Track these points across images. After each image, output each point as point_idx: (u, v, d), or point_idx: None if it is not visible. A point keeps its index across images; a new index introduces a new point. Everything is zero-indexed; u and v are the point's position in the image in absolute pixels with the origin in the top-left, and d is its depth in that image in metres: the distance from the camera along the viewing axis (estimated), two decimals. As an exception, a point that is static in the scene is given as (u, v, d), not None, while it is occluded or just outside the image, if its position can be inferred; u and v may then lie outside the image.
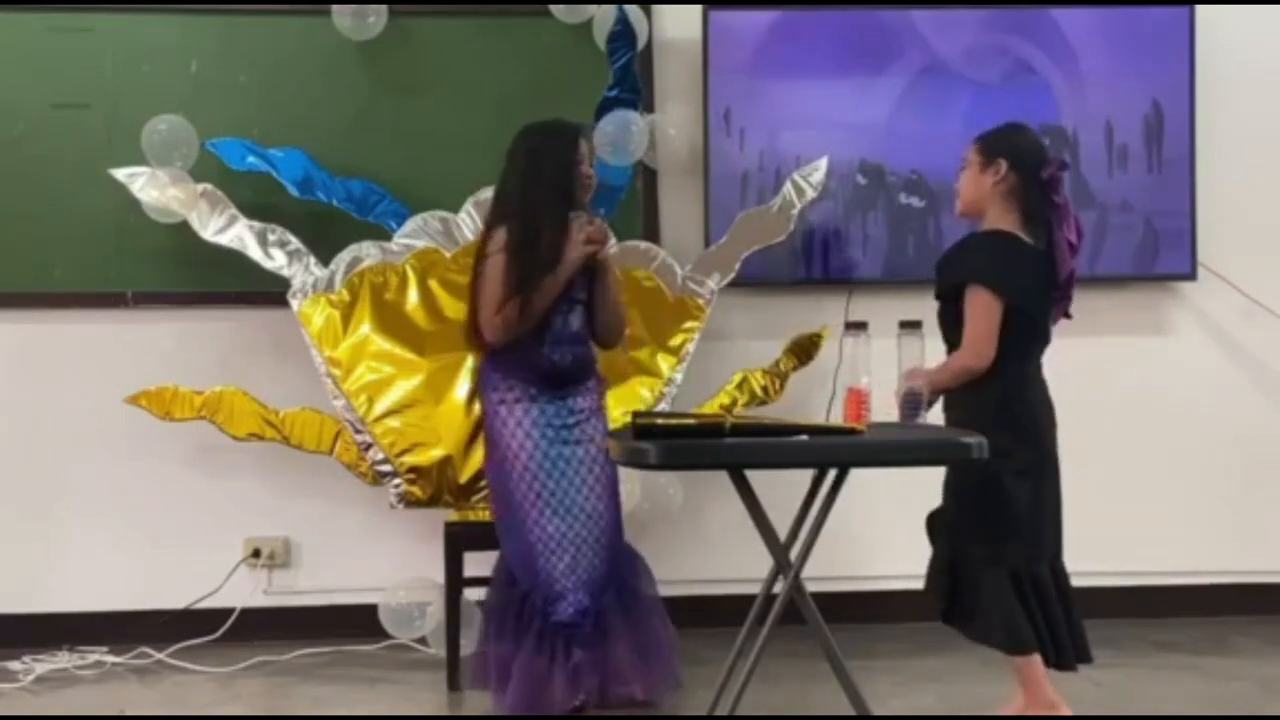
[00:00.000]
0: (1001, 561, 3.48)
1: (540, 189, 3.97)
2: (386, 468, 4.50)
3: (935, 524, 3.64)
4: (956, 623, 3.58)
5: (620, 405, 4.53)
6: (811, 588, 3.32)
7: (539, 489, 3.96)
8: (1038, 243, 3.56)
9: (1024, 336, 3.55)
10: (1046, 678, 3.50)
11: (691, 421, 3.30)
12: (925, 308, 3.64)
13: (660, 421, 3.20)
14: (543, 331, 3.98)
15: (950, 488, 3.58)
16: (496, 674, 3.96)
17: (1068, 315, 3.68)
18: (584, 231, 3.97)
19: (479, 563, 4.45)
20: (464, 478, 4.49)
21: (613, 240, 4.59)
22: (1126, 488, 5.06)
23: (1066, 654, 3.54)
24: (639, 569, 4.13)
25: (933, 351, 3.53)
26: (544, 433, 3.97)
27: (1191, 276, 5.07)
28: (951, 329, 3.58)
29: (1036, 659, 3.50)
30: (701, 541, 4.93)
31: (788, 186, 4.73)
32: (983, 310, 3.47)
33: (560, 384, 4.00)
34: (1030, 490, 3.52)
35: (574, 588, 3.93)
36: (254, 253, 4.57)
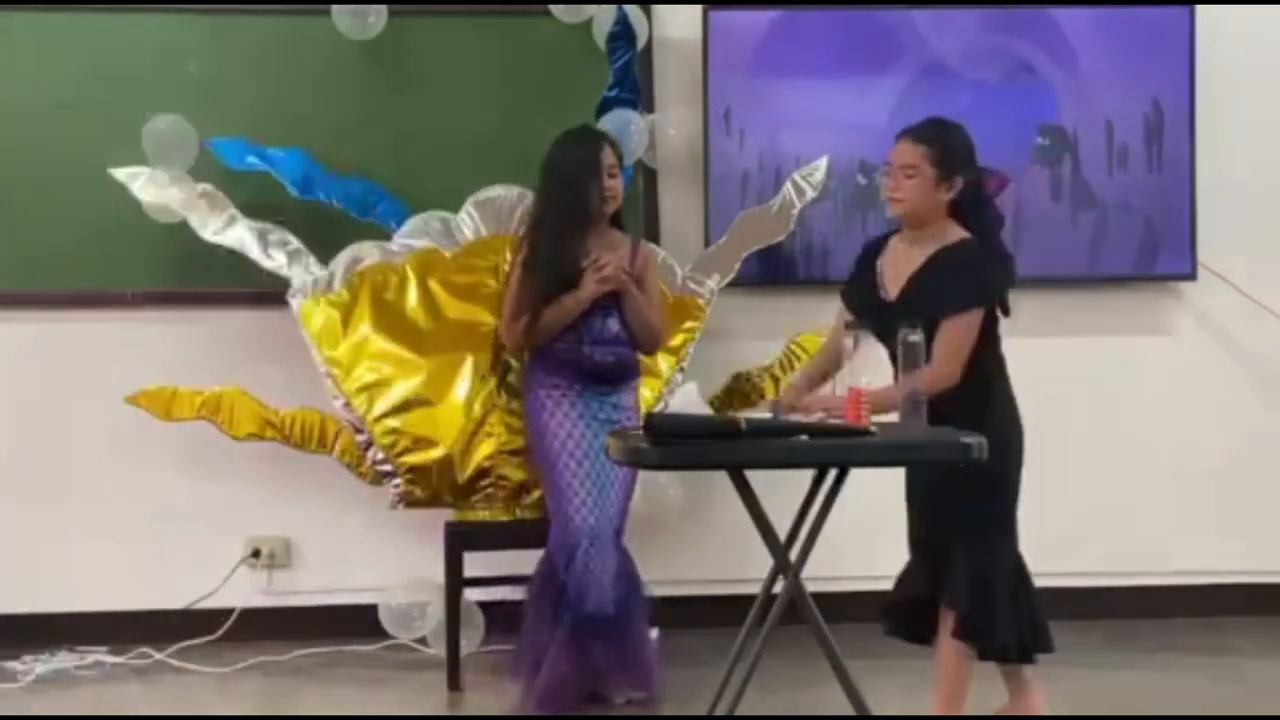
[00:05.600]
0: (1003, 558, 3.51)
1: (555, 205, 4.03)
2: (386, 468, 4.50)
3: (927, 547, 3.63)
4: (974, 638, 3.54)
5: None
6: (811, 588, 3.32)
7: (583, 476, 4.03)
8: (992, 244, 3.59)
9: (998, 337, 3.57)
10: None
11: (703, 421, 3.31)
12: (925, 307, 3.63)
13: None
14: (582, 333, 4.06)
15: (946, 493, 3.53)
16: (532, 666, 4.01)
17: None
18: (600, 266, 4.01)
19: (479, 563, 4.46)
20: (464, 478, 4.48)
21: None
22: (1126, 487, 5.06)
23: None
24: (633, 569, 4.16)
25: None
26: (589, 423, 4.06)
27: (1191, 276, 5.07)
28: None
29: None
30: (702, 541, 4.93)
31: (788, 186, 4.73)
32: (967, 329, 3.46)
33: (602, 381, 4.08)
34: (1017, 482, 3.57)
35: (603, 580, 3.98)
36: (254, 253, 4.56)
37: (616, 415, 4.09)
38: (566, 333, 4.06)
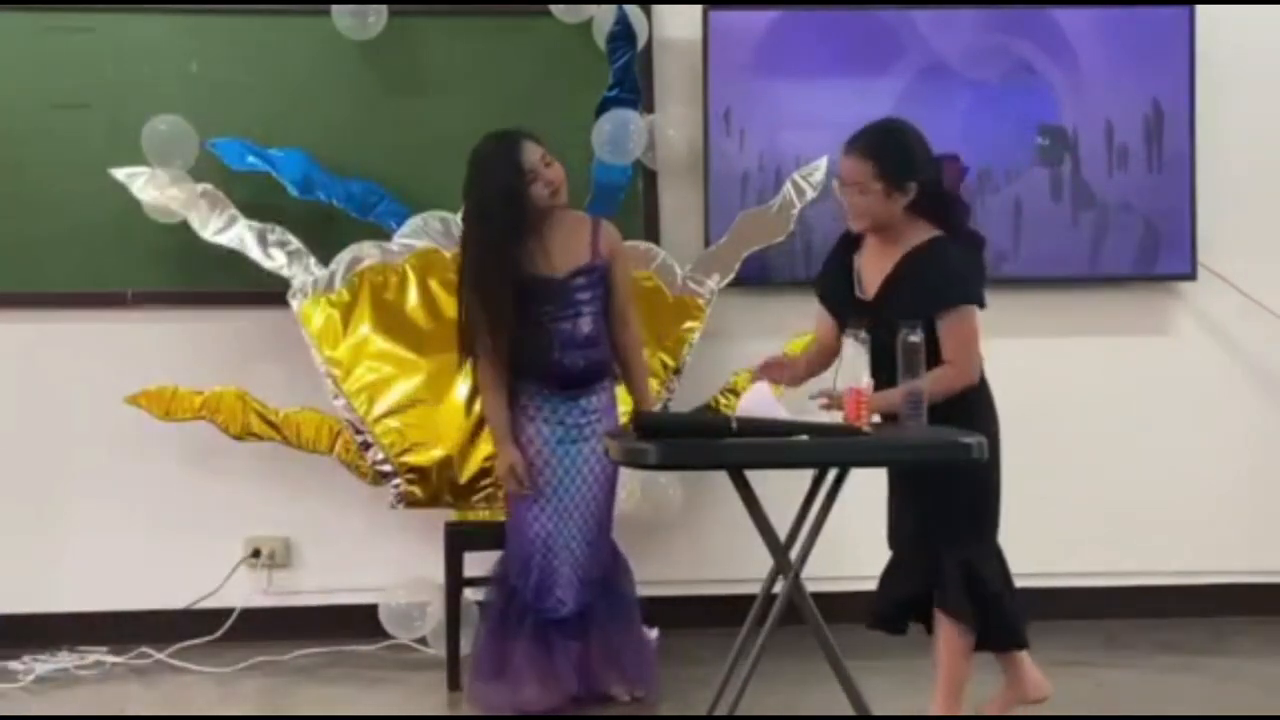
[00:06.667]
0: (992, 553, 3.52)
1: (478, 218, 3.99)
2: (386, 468, 4.50)
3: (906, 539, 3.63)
4: (990, 642, 3.57)
5: (620, 405, 4.53)
6: (812, 588, 3.32)
7: (542, 483, 4.01)
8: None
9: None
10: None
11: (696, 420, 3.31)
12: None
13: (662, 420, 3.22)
14: (551, 337, 3.99)
15: (938, 489, 3.52)
16: (491, 668, 4.02)
17: None
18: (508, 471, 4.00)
19: (479, 563, 4.46)
20: (464, 478, 4.49)
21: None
22: (1126, 487, 5.06)
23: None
24: (622, 568, 4.17)
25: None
26: (554, 430, 4.02)
27: (1191, 276, 5.07)
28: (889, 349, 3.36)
29: None
30: (702, 541, 4.93)
31: (788, 186, 4.73)
32: (969, 325, 3.47)
33: (571, 385, 4.02)
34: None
35: (564, 585, 4.00)
36: (254, 253, 4.57)
37: (584, 419, 4.03)
38: (536, 337, 3.98)
